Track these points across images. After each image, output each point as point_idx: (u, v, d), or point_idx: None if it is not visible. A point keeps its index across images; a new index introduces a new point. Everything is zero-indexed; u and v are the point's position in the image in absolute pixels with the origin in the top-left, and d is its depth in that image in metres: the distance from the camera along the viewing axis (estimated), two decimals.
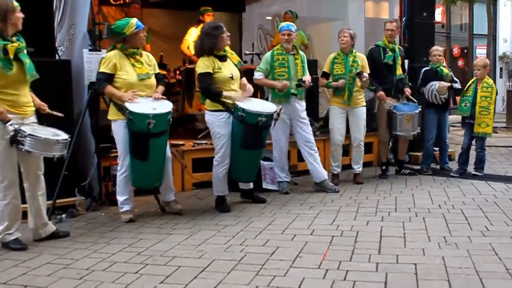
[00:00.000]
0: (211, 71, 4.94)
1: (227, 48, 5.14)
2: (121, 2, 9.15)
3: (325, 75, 6.33)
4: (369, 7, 9.76)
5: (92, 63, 5.09)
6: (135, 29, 4.66)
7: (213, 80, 4.95)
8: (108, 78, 4.64)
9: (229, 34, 4.98)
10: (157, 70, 4.96)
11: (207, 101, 5.04)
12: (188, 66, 7.63)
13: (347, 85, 6.08)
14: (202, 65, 4.96)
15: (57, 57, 5.30)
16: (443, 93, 6.70)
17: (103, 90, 4.65)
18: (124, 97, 4.57)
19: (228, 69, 5.05)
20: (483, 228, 4.32)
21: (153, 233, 4.40)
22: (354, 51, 6.21)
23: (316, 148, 5.91)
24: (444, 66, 7.08)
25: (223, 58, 5.06)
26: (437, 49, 7.00)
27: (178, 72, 8.04)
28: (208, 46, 4.96)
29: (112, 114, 4.70)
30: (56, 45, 5.41)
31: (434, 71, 6.91)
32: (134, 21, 4.69)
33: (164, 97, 4.83)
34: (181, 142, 6.26)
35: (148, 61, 4.86)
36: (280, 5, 9.92)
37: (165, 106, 4.65)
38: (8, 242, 3.98)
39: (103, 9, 8.86)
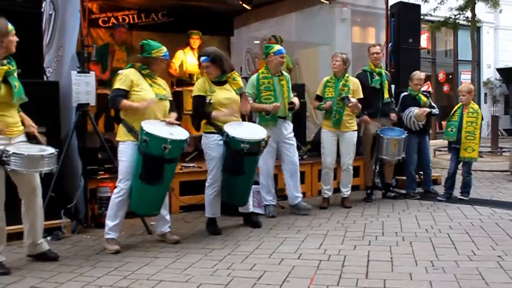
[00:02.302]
0: (203, 94, 5.01)
1: (234, 73, 5.17)
2: (110, 24, 9.21)
3: (318, 98, 6.38)
4: (356, 32, 9.89)
5: (80, 85, 5.10)
6: (162, 56, 4.63)
7: (205, 103, 4.98)
8: (124, 95, 4.45)
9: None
10: (171, 98, 4.82)
11: (202, 123, 5.10)
12: (176, 89, 7.63)
13: (335, 108, 6.13)
14: (195, 88, 5.12)
15: (45, 78, 5.30)
16: (421, 120, 6.76)
17: (118, 105, 4.43)
18: (140, 107, 4.43)
19: (223, 93, 5.06)
20: (469, 252, 4.34)
21: (139, 256, 4.35)
22: (347, 75, 6.28)
23: (298, 171, 5.96)
24: (424, 94, 7.10)
25: (219, 83, 5.08)
26: (419, 76, 6.99)
27: None
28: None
29: (121, 135, 4.54)
30: (44, 65, 5.40)
31: (412, 97, 6.98)
32: (164, 48, 4.67)
33: (178, 122, 4.70)
34: None
35: (164, 86, 4.78)
36: (268, 29, 10.01)
37: (182, 134, 4.51)
38: None
39: (92, 31, 8.87)
